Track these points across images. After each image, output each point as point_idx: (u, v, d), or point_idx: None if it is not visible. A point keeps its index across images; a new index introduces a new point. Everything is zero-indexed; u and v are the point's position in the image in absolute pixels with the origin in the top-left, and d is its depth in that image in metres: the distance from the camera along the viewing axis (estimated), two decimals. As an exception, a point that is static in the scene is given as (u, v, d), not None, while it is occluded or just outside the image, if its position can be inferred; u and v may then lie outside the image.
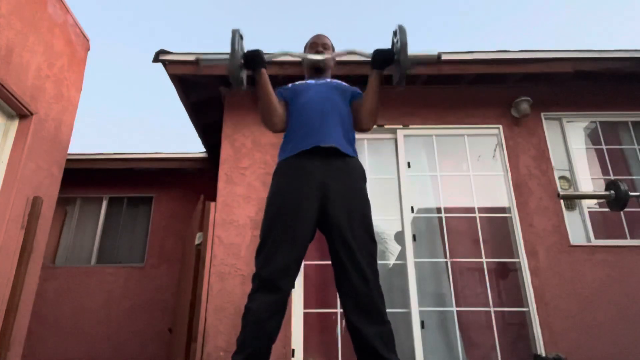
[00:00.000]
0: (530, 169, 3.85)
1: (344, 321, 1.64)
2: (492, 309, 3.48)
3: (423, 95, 4.12)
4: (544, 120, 4.04)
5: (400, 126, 4.03)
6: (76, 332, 5.24)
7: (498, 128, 4.02)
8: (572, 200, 3.83)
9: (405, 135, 4.02)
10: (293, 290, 1.60)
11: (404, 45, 1.55)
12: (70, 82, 3.94)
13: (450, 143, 4.04)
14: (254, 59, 1.68)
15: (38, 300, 3.84)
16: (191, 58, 3.85)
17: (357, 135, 1.88)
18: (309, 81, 1.93)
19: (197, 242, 3.78)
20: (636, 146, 4.07)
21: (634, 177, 3.98)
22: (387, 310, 1.56)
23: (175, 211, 5.88)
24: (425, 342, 3.36)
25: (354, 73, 3.63)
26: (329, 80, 1.92)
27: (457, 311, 3.47)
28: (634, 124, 4.14)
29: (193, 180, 5.95)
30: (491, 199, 3.87)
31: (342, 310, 1.60)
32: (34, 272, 3.35)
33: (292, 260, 1.56)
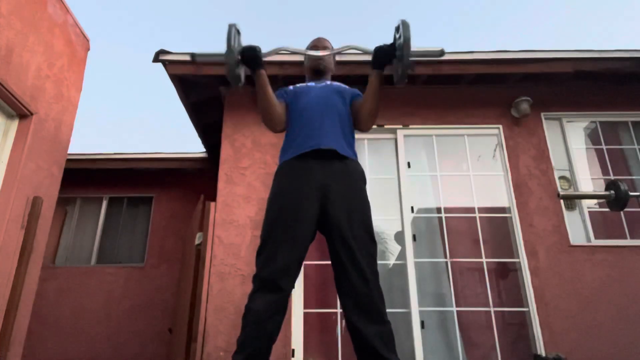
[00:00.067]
0: (530, 169, 3.85)
1: (344, 321, 1.64)
2: (492, 309, 3.48)
3: (423, 95, 4.12)
4: (544, 120, 4.04)
5: (400, 126, 4.03)
6: (76, 332, 5.24)
7: (498, 128, 4.03)
8: (572, 200, 3.83)
9: (405, 135, 4.02)
10: (293, 290, 1.61)
11: (407, 40, 1.50)
12: (70, 82, 3.94)
13: (450, 143, 4.04)
14: (252, 59, 1.64)
15: (38, 300, 3.84)
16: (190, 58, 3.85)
17: (357, 135, 1.89)
18: (309, 84, 1.93)
19: (197, 242, 3.78)
20: (636, 146, 4.07)
21: (634, 177, 3.98)
22: (387, 310, 1.56)
23: (175, 211, 5.89)
24: (425, 342, 3.36)
25: (354, 73, 3.63)
26: (328, 82, 1.93)
27: (457, 311, 3.47)
28: (634, 124, 4.15)
29: (193, 180, 5.95)
30: (491, 199, 3.87)
31: (342, 311, 1.61)
32: (34, 272, 3.35)
33: (292, 260, 1.56)
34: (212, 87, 4.12)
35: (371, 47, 1.70)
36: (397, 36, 1.59)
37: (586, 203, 3.82)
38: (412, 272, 3.53)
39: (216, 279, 3.48)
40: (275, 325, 1.52)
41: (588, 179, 3.96)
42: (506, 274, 3.68)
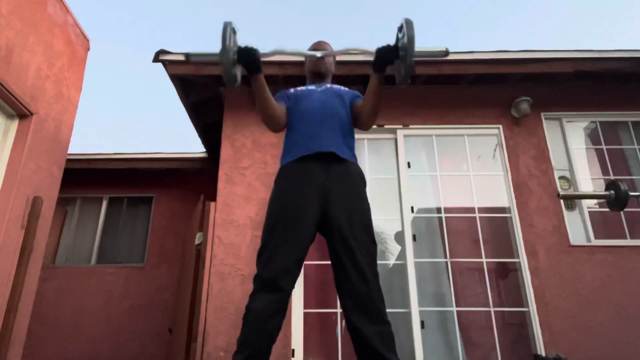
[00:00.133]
0: (530, 169, 3.85)
1: (344, 321, 1.65)
2: (492, 309, 3.48)
3: (423, 95, 4.12)
4: (544, 120, 4.04)
5: (400, 126, 4.03)
6: (76, 332, 5.24)
7: (498, 128, 4.03)
8: (572, 200, 3.83)
9: (405, 135, 4.02)
10: (293, 290, 1.61)
11: (411, 39, 1.45)
12: (70, 82, 3.94)
13: (450, 143, 4.04)
14: (252, 63, 1.59)
15: (38, 300, 3.84)
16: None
17: (357, 135, 1.90)
18: (310, 87, 1.94)
19: (197, 242, 3.78)
20: (636, 146, 4.07)
21: (634, 177, 3.98)
22: (387, 310, 1.57)
23: (175, 211, 5.89)
24: (425, 342, 3.36)
25: (354, 73, 3.63)
26: (329, 85, 1.94)
27: (457, 311, 3.47)
28: (634, 124, 4.15)
29: (193, 180, 5.95)
30: (491, 199, 3.87)
31: (342, 311, 1.61)
32: (34, 272, 3.35)
33: (293, 260, 1.57)
34: (212, 87, 4.12)
35: (369, 47, 1.66)
36: (401, 35, 1.54)
37: (586, 203, 3.82)
38: (412, 272, 3.53)
39: (216, 279, 3.48)
40: (276, 325, 1.52)
41: (588, 179, 3.96)
42: (506, 274, 3.68)
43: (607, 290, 3.44)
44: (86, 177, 5.81)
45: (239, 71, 1.61)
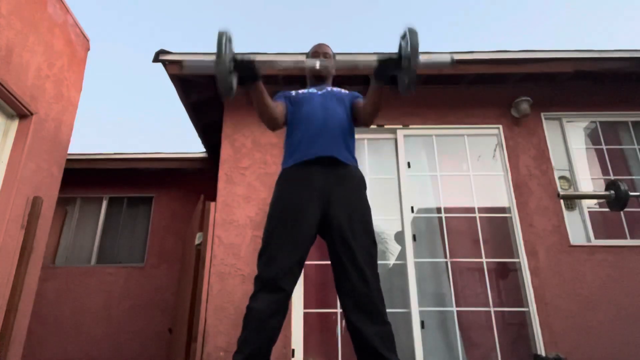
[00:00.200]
0: (530, 169, 3.85)
1: (344, 321, 1.65)
2: (492, 309, 3.48)
3: (423, 95, 4.12)
4: (544, 120, 4.04)
5: (400, 126, 4.03)
6: (76, 332, 5.24)
7: (498, 128, 4.03)
8: (572, 200, 3.83)
9: (405, 135, 4.02)
10: (293, 291, 1.61)
11: (414, 49, 1.41)
12: (70, 82, 3.94)
13: (450, 143, 4.04)
14: (249, 74, 1.57)
15: (38, 300, 3.84)
16: (190, 58, 3.85)
17: (357, 135, 1.91)
18: (310, 90, 1.95)
19: (197, 242, 3.78)
20: (636, 146, 4.07)
21: (634, 177, 3.98)
22: (387, 310, 1.57)
23: (175, 211, 5.89)
24: (425, 342, 3.36)
25: (355, 73, 3.62)
26: (329, 89, 1.94)
27: (457, 311, 3.47)
28: (634, 124, 4.15)
29: (193, 180, 5.95)
30: (491, 199, 3.87)
31: (342, 311, 1.62)
32: (34, 272, 3.35)
33: (294, 261, 1.58)
34: (212, 87, 4.11)
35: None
36: (404, 44, 1.48)
37: (586, 203, 3.82)
38: (412, 272, 3.53)
39: (216, 279, 3.48)
40: (276, 325, 1.53)
41: (588, 179, 3.96)
42: (506, 274, 3.68)
43: (607, 290, 3.44)
44: (86, 177, 5.80)
45: (234, 80, 1.56)
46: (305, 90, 1.95)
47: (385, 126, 4.00)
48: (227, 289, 3.45)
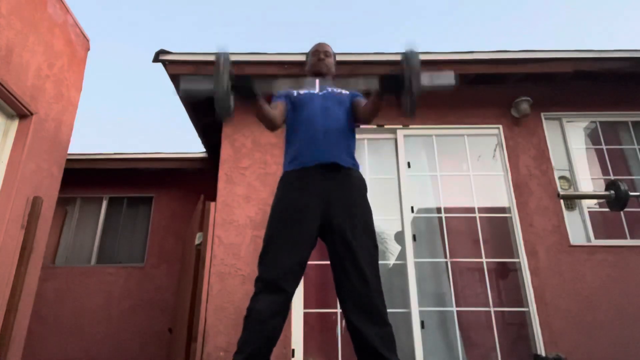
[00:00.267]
0: (530, 169, 3.85)
1: (344, 321, 1.65)
2: (492, 309, 3.48)
3: (423, 95, 4.10)
4: (544, 120, 4.04)
5: (400, 126, 4.02)
6: (76, 332, 5.24)
7: (498, 128, 4.03)
8: (572, 200, 3.83)
9: (405, 135, 4.02)
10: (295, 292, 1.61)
11: (416, 73, 1.42)
12: (70, 82, 3.94)
13: (450, 143, 4.04)
14: (248, 94, 1.61)
15: (38, 300, 3.83)
16: (191, 58, 3.86)
17: (357, 135, 1.91)
18: (311, 90, 1.94)
19: (197, 242, 3.78)
20: (636, 146, 4.07)
21: (634, 177, 3.98)
22: (387, 310, 1.57)
23: (175, 211, 5.88)
24: (425, 342, 3.36)
25: (355, 73, 3.62)
26: (329, 89, 1.94)
27: (457, 311, 3.47)
28: (634, 124, 4.15)
29: (193, 180, 5.94)
30: (491, 199, 3.87)
31: (342, 311, 1.61)
32: (34, 272, 3.35)
33: (294, 262, 1.58)
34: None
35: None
36: (405, 66, 1.47)
37: (586, 203, 3.82)
38: (412, 272, 3.53)
39: (216, 279, 3.48)
40: (277, 326, 1.52)
41: (588, 179, 3.96)
42: (506, 273, 3.68)
43: (607, 290, 3.44)
44: (86, 177, 5.80)
45: (232, 101, 1.53)
46: (305, 91, 1.94)
47: (385, 126, 4.00)
48: (227, 289, 3.45)
